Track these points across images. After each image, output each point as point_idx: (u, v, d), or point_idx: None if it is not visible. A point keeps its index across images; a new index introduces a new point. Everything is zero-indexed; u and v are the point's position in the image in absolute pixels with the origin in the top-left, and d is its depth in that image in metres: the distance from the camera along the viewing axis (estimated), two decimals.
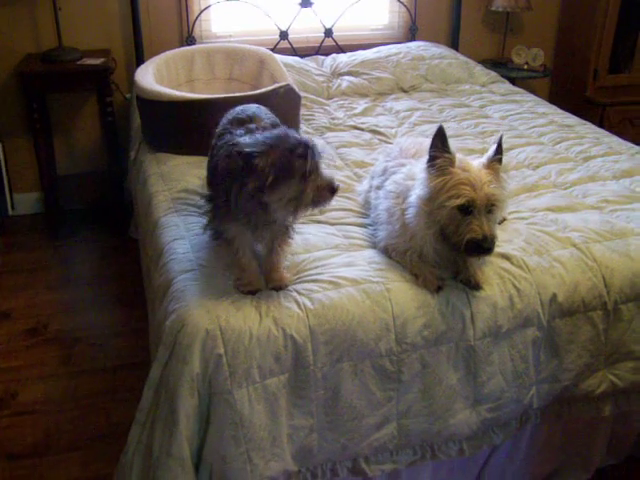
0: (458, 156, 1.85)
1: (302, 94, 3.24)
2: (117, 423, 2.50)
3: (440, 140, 1.82)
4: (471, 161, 1.86)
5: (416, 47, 4.15)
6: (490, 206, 1.78)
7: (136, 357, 2.82)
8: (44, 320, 3.10)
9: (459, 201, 1.76)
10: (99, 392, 2.66)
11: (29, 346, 2.93)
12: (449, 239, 1.81)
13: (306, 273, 1.94)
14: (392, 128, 3.21)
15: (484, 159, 1.86)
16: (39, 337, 2.99)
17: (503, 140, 1.87)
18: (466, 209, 1.77)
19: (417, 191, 1.87)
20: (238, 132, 1.86)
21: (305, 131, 3.12)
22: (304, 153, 1.65)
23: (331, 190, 1.70)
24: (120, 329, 3.04)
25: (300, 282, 1.90)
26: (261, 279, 1.87)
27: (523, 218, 2.29)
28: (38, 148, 3.65)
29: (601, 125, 3.97)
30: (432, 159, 1.82)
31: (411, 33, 4.40)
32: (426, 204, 1.83)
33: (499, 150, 1.86)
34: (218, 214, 1.85)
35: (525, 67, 4.42)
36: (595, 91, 4.44)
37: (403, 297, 1.86)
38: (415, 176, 1.93)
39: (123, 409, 2.55)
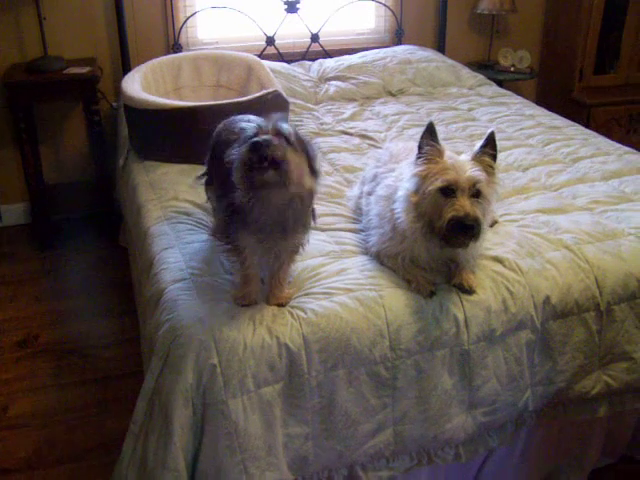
0: (447, 152, 1.85)
1: (290, 100, 3.23)
2: (110, 435, 2.47)
3: (429, 133, 1.83)
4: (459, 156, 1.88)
5: (403, 51, 4.15)
6: (474, 189, 1.77)
7: (127, 368, 2.80)
8: (34, 332, 3.07)
9: (440, 183, 1.76)
10: (91, 404, 2.64)
11: (19, 358, 2.90)
12: (434, 226, 1.79)
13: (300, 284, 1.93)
14: (381, 132, 3.20)
15: (470, 152, 1.87)
16: (29, 349, 2.96)
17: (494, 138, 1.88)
18: (449, 191, 1.76)
19: (405, 185, 1.87)
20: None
21: None
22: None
23: (252, 147, 1.61)
24: (111, 339, 3.01)
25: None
26: (260, 293, 1.85)
27: (514, 220, 2.29)
28: (25, 158, 3.63)
29: (587, 126, 3.99)
30: (420, 149, 1.84)
31: (397, 37, 4.40)
32: (413, 195, 1.83)
33: (491, 146, 1.86)
34: (233, 221, 1.79)
35: (512, 69, 4.44)
36: (581, 92, 4.45)
37: (396, 303, 1.86)
38: (404, 176, 1.93)
39: (115, 420, 2.53)
